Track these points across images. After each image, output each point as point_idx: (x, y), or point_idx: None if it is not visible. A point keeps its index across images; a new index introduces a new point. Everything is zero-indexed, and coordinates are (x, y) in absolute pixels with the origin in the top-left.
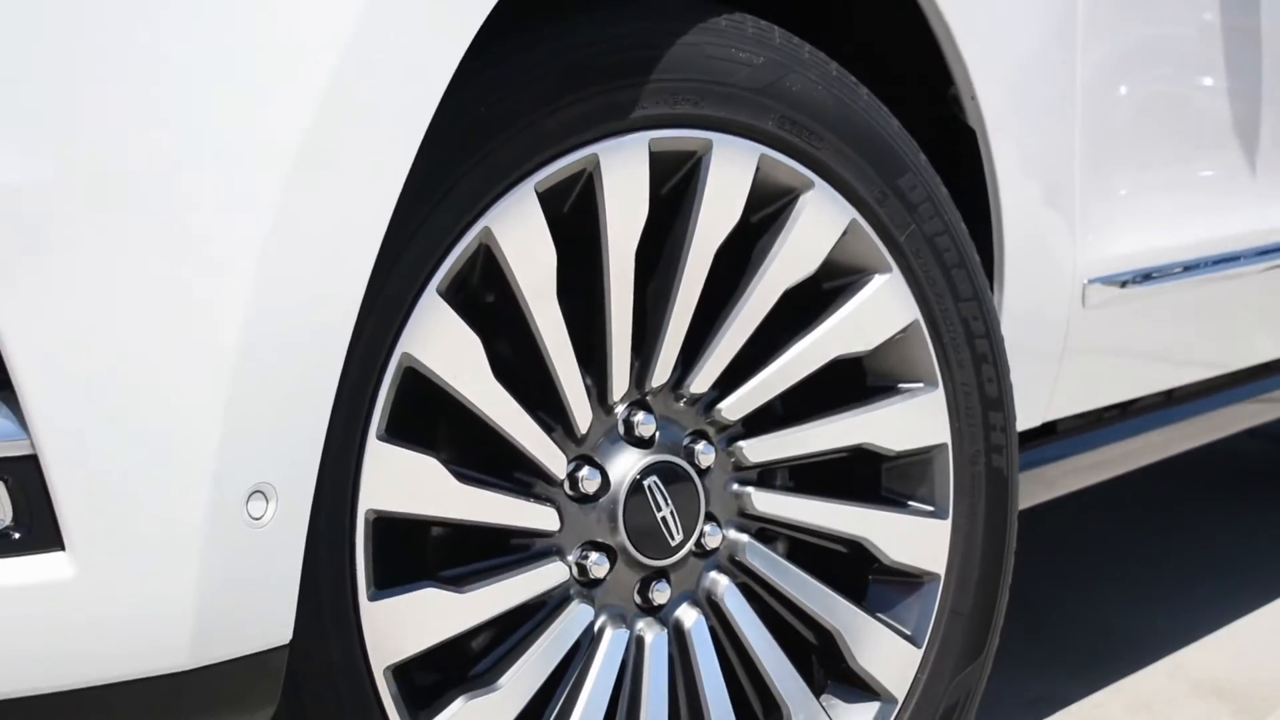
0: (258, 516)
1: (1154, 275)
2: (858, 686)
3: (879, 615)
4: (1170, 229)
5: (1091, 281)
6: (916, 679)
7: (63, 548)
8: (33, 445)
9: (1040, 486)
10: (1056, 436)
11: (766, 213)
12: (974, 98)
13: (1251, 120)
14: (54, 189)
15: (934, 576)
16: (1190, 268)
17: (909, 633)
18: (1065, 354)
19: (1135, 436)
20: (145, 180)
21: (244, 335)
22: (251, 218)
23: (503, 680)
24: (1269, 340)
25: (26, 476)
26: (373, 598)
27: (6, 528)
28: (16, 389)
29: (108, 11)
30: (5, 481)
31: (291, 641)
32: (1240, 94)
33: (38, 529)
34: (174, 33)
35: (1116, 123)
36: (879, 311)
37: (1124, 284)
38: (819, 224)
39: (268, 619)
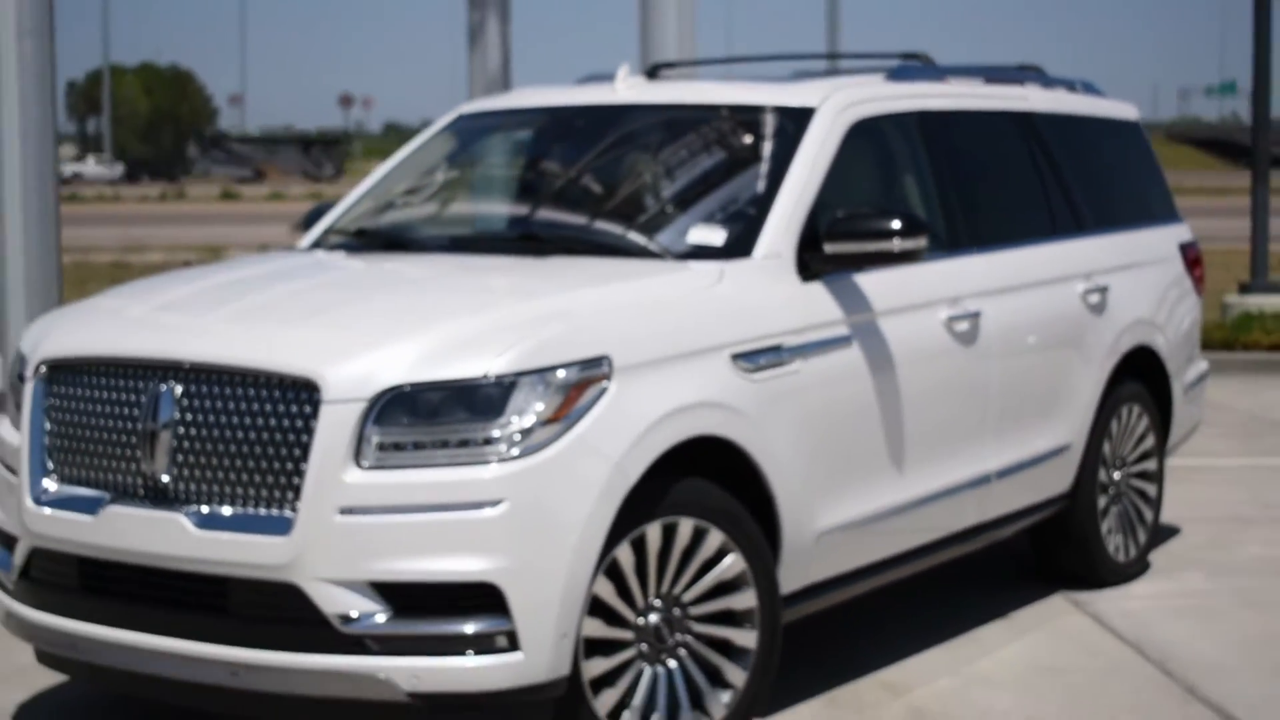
0: (565, 633)
1: (852, 525)
2: (724, 689)
3: (737, 664)
4: (861, 503)
5: (822, 534)
6: (747, 685)
7: (520, 649)
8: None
9: (803, 609)
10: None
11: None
12: (769, 488)
13: (899, 448)
14: None
15: (752, 649)
16: (871, 519)
17: (747, 668)
18: (810, 560)
19: (858, 582)
20: None
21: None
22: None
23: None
24: (924, 537)
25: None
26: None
27: (501, 647)
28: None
29: None
30: (503, 634)
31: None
32: (891, 433)
33: (510, 643)
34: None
35: (829, 472)
36: (735, 564)
37: (841, 531)
38: (714, 543)
39: (563, 664)
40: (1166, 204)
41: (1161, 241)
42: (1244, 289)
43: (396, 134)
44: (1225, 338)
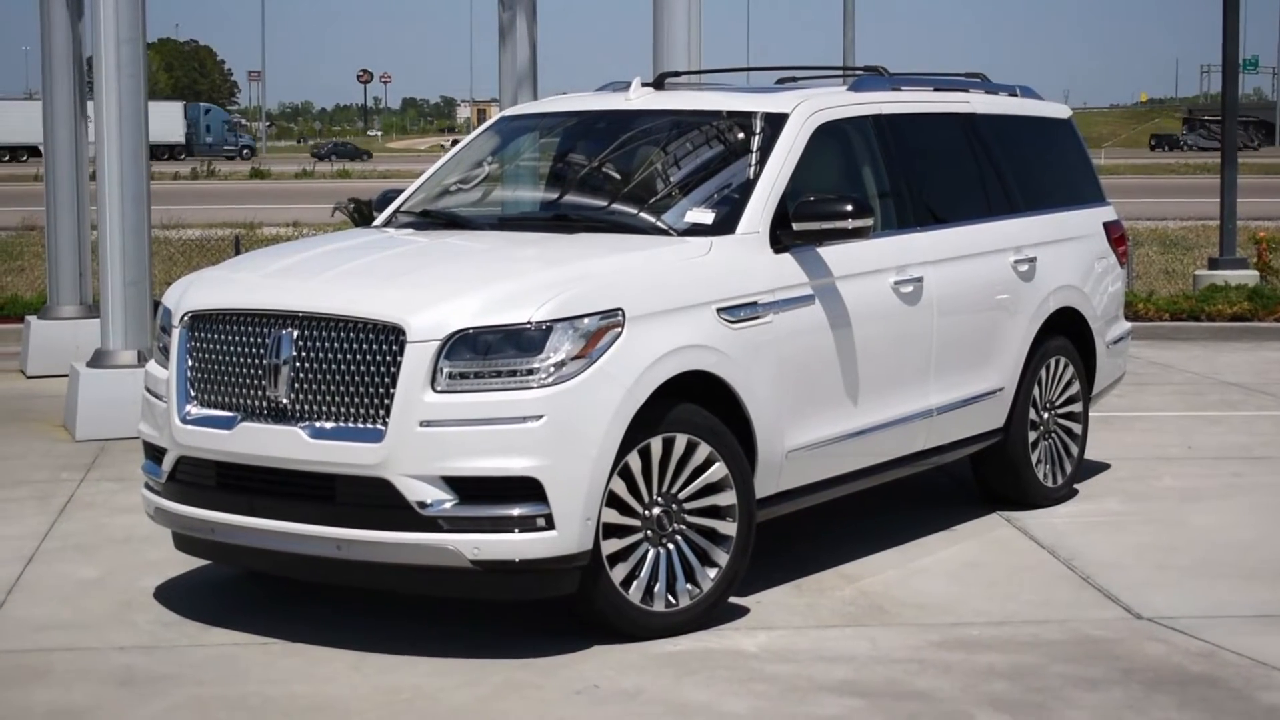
0: (589, 518)
1: (815, 446)
2: (711, 566)
3: (721, 548)
4: (823, 428)
5: (790, 452)
6: (728, 564)
7: (554, 528)
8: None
9: (776, 510)
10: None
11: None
12: (746, 414)
13: (854, 386)
14: None
15: (733, 536)
16: (831, 441)
17: (729, 551)
18: (780, 472)
19: (820, 491)
20: None
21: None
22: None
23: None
24: (875, 459)
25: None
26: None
27: (541, 526)
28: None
29: None
30: (542, 516)
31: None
32: (847, 373)
33: (547, 523)
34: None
35: (795, 402)
36: (719, 470)
37: (805, 450)
38: (703, 453)
39: (587, 541)
40: (1093, 188)
41: (1087, 220)
42: (1213, 264)
43: (415, 109)
44: (1191, 308)
